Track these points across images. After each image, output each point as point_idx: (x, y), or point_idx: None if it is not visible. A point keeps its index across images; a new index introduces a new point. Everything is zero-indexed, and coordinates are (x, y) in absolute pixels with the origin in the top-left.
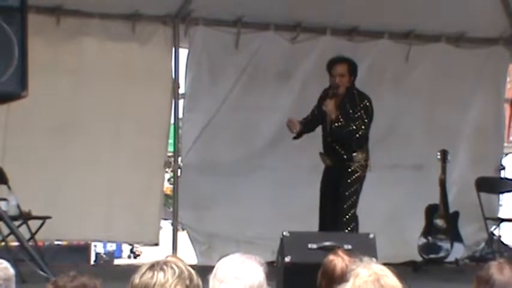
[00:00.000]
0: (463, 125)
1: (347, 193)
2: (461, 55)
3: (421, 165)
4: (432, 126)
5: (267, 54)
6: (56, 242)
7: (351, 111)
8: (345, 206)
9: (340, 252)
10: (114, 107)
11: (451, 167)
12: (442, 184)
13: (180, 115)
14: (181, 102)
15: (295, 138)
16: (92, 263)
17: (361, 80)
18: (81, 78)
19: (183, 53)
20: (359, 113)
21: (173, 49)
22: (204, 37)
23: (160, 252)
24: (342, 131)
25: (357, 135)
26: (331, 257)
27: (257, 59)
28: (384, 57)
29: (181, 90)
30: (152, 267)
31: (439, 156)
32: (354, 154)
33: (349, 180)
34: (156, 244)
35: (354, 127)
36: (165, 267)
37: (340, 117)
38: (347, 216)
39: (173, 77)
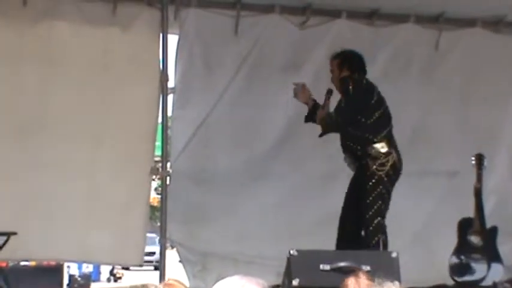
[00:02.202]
0: (502, 124)
1: (368, 200)
2: (501, 42)
3: (454, 172)
4: (466, 126)
5: (272, 41)
6: (23, 263)
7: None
8: (367, 216)
9: (361, 275)
10: (92, 103)
11: (488, 174)
12: (478, 194)
13: (169, 113)
14: (170, 97)
15: (307, 119)
16: (65, 287)
17: (383, 72)
18: (52, 69)
19: (173, 39)
20: (338, 103)
21: (161, 35)
22: (197, 21)
23: (144, 275)
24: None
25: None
26: (348, 281)
27: (260, 47)
28: (410, 45)
29: (171, 84)
30: None
31: (473, 162)
32: (368, 148)
33: (368, 185)
34: (141, 265)
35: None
36: None
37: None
38: (371, 228)
39: (161, 68)
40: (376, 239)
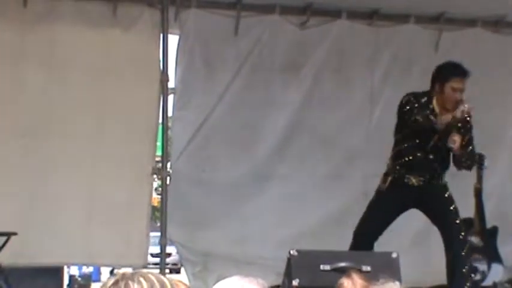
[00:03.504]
0: (503, 125)
1: (452, 207)
2: (501, 42)
3: (454, 173)
4: None
5: (272, 41)
6: None
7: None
8: (459, 221)
9: (353, 275)
10: (93, 104)
11: (488, 174)
12: (478, 194)
13: (170, 113)
14: (170, 98)
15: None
16: (65, 287)
17: (385, 72)
18: (52, 70)
19: (173, 40)
20: (469, 136)
21: (161, 36)
22: (197, 21)
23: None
24: (459, 161)
25: (469, 168)
26: (342, 280)
27: (260, 47)
28: (410, 45)
29: (171, 84)
30: (116, 283)
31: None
32: (447, 173)
33: (446, 195)
34: (144, 266)
35: (469, 161)
36: (131, 282)
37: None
38: (462, 234)
39: (161, 68)
40: (466, 246)
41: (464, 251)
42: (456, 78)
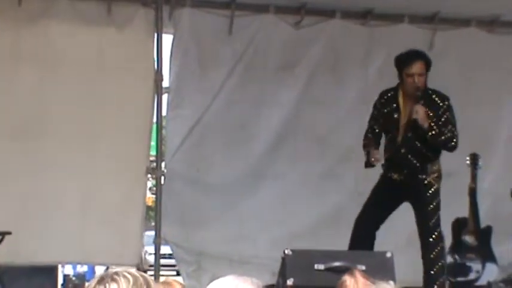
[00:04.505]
0: (498, 124)
1: (429, 208)
2: (495, 42)
3: (448, 172)
4: (461, 125)
5: (266, 40)
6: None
7: (431, 114)
8: (431, 224)
9: (356, 274)
10: (87, 103)
11: (483, 173)
12: (472, 194)
13: (164, 112)
14: (165, 97)
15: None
16: (60, 286)
17: (379, 72)
18: (47, 68)
19: (167, 39)
20: (445, 116)
21: (155, 35)
22: (191, 21)
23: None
24: (436, 140)
25: (453, 142)
26: (345, 278)
27: (255, 47)
28: (404, 45)
29: (165, 83)
30: (102, 280)
31: (468, 162)
32: (429, 165)
33: (428, 194)
34: (138, 265)
35: (449, 134)
36: (116, 277)
37: (433, 124)
38: (433, 236)
39: (156, 67)
40: (439, 247)
41: (435, 251)
42: (409, 64)
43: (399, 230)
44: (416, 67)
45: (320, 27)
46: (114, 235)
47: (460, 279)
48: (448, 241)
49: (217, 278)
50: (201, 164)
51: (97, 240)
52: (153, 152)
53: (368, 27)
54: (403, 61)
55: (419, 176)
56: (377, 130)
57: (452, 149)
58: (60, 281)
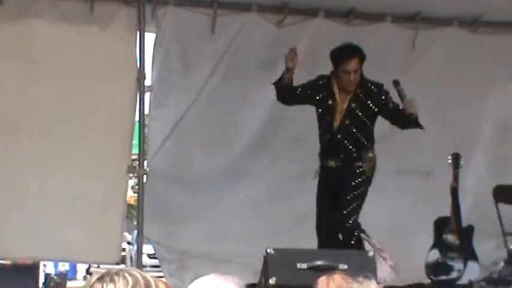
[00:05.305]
0: (479, 123)
1: (349, 197)
2: (477, 41)
3: (430, 171)
4: (443, 125)
5: (249, 39)
6: None
7: (371, 103)
8: (345, 212)
9: (335, 274)
10: (69, 102)
11: (464, 173)
12: (454, 193)
13: (146, 111)
14: (147, 95)
15: (275, 83)
16: (41, 285)
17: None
18: (28, 67)
19: (150, 38)
20: (392, 101)
21: (138, 33)
22: (174, 19)
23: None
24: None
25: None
26: (323, 278)
27: (237, 46)
28: (387, 44)
29: (148, 82)
30: (102, 278)
31: (450, 161)
32: (364, 152)
33: (353, 183)
34: (118, 263)
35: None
36: (116, 277)
37: (350, 113)
38: (348, 225)
39: (138, 66)
40: (355, 235)
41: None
42: (345, 62)
43: (380, 229)
44: (352, 64)
45: (303, 26)
46: (95, 233)
47: (441, 278)
48: (430, 240)
49: (200, 276)
50: (183, 162)
51: (77, 238)
52: (135, 151)
53: (351, 26)
54: (339, 58)
55: (355, 163)
56: (298, 90)
57: (414, 125)
58: (41, 279)
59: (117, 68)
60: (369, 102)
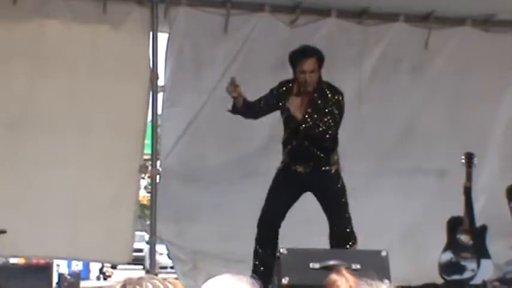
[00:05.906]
0: (492, 123)
1: (342, 200)
2: (490, 41)
3: (443, 171)
4: (456, 124)
5: (262, 39)
6: (12, 261)
7: (321, 108)
8: (347, 216)
9: (344, 272)
10: (81, 101)
11: (478, 172)
12: (467, 193)
13: (159, 111)
14: (160, 95)
15: (230, 110)
16: (54, 285)
17: (373, 71)
18: (41, 66)
19: (163, 38)
20: (329, 109)
21: (151, 33)
22: (187, 19)
23: (135, 273)
24: (312, 132)
25: (327, 135)
26: (333, 277)
27: (250, 46)
28: (400, 44)
29: (161, 82)
30: (124, 287)
31: (463, 160)
32: (331, 155)
33: (338, 186)
34: (129, 263)
35: (324, 127)
36: (138, 287)
37: (308, 117)
38: (347, 230)
39: (151, 66)
40: (353, 239)
41: (349, 243)
42: (300, 62)
43: (394, 228)
44: (308, 64)
45: (315, 26)
46: (106, 232)
47: (455, 277)
48: (443, 240)
49: (213, 276)
50: (196, 162)
51: (89, 237)
52: (148, 151)
53: (363, 26)
54: (295, 59)
55: (324, 168)
56: (261, 103)
57: (327, 142)
58: (55, 279)
59: (130, 68)
60: (320, 106)
